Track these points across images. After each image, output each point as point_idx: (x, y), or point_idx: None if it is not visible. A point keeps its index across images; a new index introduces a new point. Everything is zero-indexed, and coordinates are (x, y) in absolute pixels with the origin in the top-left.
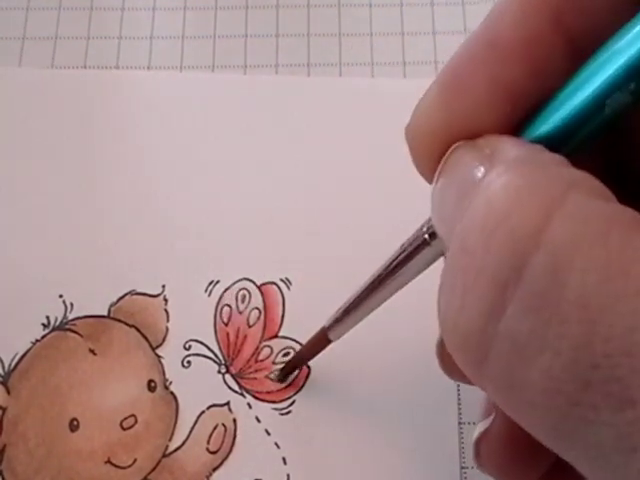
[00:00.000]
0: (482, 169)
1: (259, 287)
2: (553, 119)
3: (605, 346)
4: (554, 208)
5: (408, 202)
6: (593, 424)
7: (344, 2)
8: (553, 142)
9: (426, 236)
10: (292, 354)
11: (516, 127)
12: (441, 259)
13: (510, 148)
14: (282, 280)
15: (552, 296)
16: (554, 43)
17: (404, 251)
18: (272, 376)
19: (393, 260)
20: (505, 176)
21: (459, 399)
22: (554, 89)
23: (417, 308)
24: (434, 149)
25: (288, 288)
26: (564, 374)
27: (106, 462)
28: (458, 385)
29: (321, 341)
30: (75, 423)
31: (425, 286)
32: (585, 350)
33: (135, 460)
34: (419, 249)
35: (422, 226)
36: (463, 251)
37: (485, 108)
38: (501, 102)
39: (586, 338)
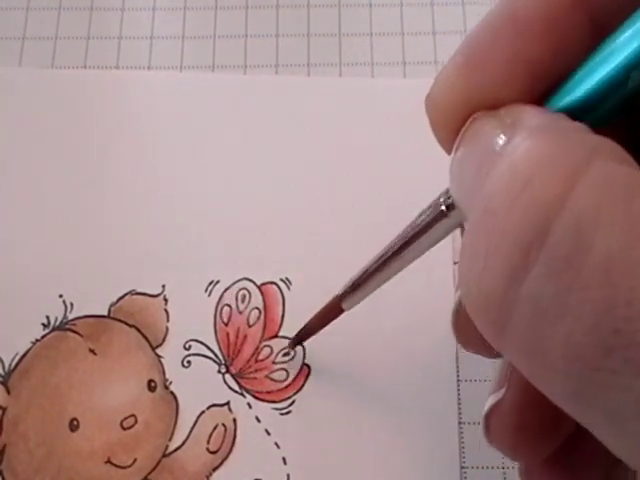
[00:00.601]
0: (503, 137)
1: (259, 287)
2: (575, 91)
3: (627, 310)
4: (579, 174)
5: (408, 202)
6: (613, 389)
7: (344, 2)
8: (575, 114)
9: (443, 207)
10: (303, 325)
11: (537, 101)
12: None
13: (532, 117)
14: (282, 280)
15: (575, 259)
16: (575, 19)
17: (421, 222)
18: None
19: (409, 231)
20: (528, 141)
21: (459, 399)
22: (575, 64)
23: (417, 308)
24: (454, 119)
25: (288, 288)
26: (585, 339)
27: (106, 462)
28: (458, 385)
29: (333, 310)
30: (75, 423)
31: (425, 287)
32: (607, 315)
33: (135, 460)
34: (435, 220)
35: (439, 197)
36: (487, 214)
37: (506, 82)
38: (522, 76)
39: (608, 302)
